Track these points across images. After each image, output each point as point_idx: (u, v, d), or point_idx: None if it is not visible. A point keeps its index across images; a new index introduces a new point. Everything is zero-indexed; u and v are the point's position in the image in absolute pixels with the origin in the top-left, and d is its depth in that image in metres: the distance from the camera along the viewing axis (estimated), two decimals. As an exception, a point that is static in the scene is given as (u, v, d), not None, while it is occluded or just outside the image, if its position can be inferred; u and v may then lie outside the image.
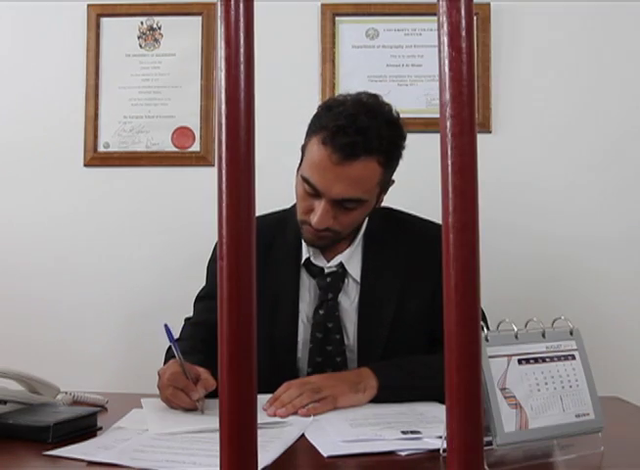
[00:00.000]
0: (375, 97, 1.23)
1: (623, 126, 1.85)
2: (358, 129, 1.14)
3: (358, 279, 1.30)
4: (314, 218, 1.19)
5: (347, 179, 1.16)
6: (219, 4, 0.29)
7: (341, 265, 1.30)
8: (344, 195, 1.18)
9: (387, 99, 1.25)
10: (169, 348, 1.32)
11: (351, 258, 1.31)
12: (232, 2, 0.28)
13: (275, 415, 1.02)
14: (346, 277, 1.30)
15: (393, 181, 1.28)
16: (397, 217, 1.38)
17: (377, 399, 1.11)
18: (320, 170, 1.17)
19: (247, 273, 0.29)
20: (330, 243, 1.27)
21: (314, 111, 1.27)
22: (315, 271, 1.30)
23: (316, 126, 1.20)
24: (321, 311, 1.28)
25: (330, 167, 1.16)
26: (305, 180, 1.19)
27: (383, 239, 1.32)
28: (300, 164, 1.25)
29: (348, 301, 1.30)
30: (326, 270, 1.30)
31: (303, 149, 1.25)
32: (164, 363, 1.24)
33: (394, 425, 0.96)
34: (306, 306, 1.30)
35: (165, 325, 1.09)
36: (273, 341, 1.27)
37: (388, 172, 1.22)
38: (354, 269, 1.30)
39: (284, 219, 1.37)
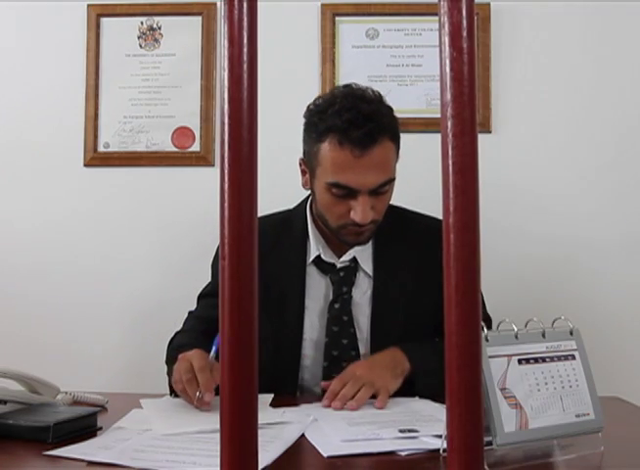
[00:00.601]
0: (351, 87, 1.27)
1: (623, 127, 1.85)
2: (365, 117, 1.18)
3: (371, 273, 1.32)
4: (358, 216, 1.21)
5: (375, 166, 1.20)
6: (222, 3, 0.29)
7: (353, 260, 1.32)
8: (379, 181, 1.21)
9: (387, 99, 1.27)
10: (170, 341, 1.32)
11: (363, 253, 1.33)
12: (235, 1, 0.28)
13: (342, 409, 1.06)
14: (358, 271, 1.32)
15: None
16: (403, 214, 1.40)
17: (411, 383, 1.16)
18: (348, 169, 1.19)
19: (248, 273, 0.29)
20: (372, 235, 1.30)
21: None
22: (327, 268, 1.32)
23: (319, 132, 1.22)
24: (336, 305, 1.30)
25: (355, 162, 1.19)
26: (335, 185, 1.21)
27: (392, 234, 1.34)
28: (313, 176, 1.26)
29: (360, 294, 1.32)
30: (338, 265, 1.32)
31: (310, 160, 1.26)
32: (167, 355, 1.27)
33: (391, 424, 0.96)
34: (317, 304, 1.32)
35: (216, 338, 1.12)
36: (278, 339, 1.28)
37: (397, 144, 1.26)
38: (366, 264, 1.33)
39: (288, 219, 1.38)
